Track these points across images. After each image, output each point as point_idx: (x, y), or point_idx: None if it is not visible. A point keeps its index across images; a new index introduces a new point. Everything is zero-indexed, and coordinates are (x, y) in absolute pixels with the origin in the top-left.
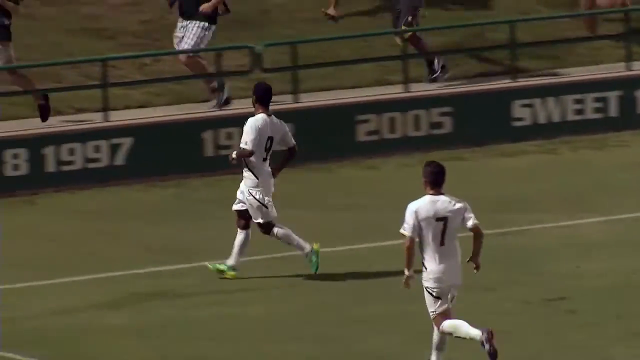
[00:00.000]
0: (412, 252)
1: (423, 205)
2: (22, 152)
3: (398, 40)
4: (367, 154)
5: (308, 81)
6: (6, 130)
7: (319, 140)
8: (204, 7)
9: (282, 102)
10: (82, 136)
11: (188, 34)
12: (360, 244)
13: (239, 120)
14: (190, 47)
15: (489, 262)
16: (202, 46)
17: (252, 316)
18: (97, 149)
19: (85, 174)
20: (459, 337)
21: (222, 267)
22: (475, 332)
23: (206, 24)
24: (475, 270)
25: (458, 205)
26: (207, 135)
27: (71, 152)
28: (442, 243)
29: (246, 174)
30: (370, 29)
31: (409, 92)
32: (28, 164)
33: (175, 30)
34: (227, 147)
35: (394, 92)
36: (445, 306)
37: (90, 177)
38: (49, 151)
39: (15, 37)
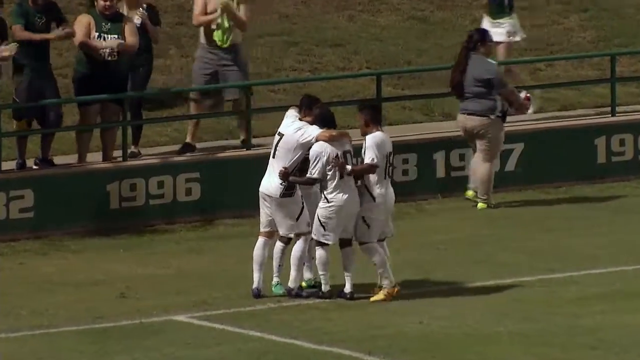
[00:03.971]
0: None
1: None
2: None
3: None
4: None
5: None
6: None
7: None
8: None
9: None
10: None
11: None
12: None
13: (633, 127)
14: None
15: None
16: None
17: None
18: None
19: None
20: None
21: None
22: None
23: None
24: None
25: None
26: (600, 142)
27: (461, 157)
28: None
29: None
30: None
31: None
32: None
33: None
34: (619, 154)
35: None
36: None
37: None
38: (438, 156)
39: None
